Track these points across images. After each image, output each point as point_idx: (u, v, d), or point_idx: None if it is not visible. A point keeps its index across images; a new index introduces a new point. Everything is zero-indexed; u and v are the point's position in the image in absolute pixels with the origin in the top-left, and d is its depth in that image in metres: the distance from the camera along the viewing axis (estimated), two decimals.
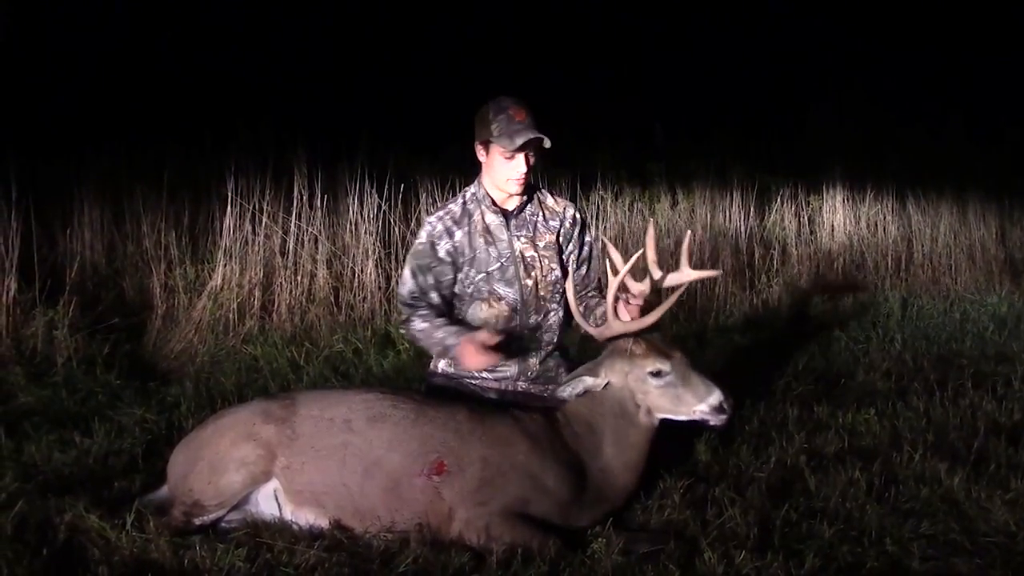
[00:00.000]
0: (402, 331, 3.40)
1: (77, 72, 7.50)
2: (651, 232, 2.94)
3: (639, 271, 2.89)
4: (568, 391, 2.72)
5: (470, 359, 2.97)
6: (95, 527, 2.49)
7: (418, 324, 3.14)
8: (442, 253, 3.19)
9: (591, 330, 2.84)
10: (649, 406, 2.70)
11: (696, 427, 3.36)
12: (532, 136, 3.02)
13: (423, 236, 3.23)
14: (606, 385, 2.72)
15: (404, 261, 3.30)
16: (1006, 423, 3.67)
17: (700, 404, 2.65)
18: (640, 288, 2.86)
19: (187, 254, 5.35)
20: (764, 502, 2.82)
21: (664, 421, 2.74)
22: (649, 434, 2.73)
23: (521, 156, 3.08)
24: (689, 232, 2.94)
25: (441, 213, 3.25)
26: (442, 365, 3.29)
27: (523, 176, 3.12)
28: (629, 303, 2.88)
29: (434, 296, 3.20)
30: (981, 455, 3.26)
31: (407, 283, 3.22)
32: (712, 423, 2.68)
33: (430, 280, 3.20)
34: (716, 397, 2.65)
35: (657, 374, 2.66)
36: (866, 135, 9.43)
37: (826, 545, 2.56)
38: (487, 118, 3.09)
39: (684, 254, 2.84)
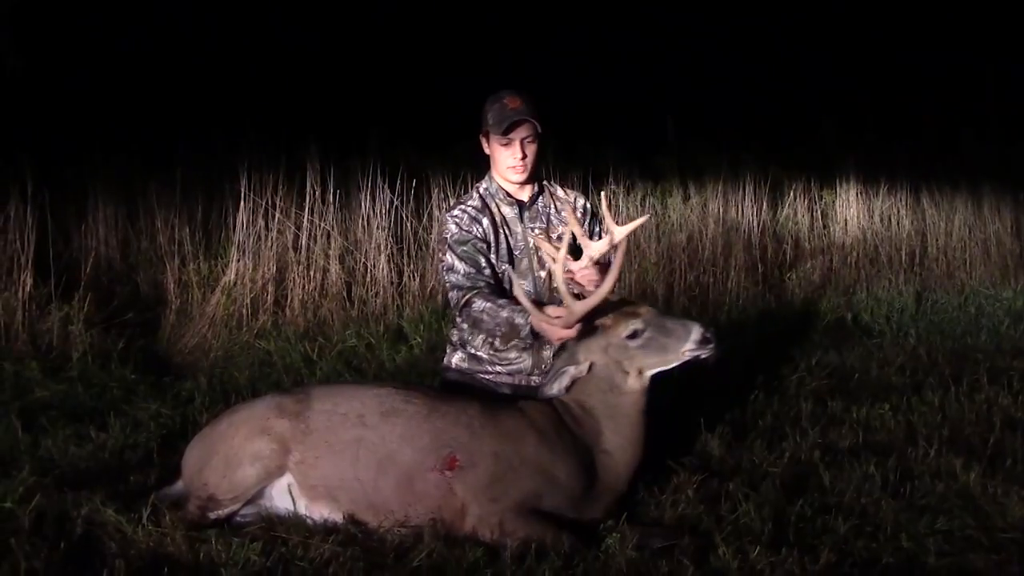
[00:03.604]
0: (459, 318, 3.21)
1: (92, 70, 7.53)
2: (569, 212, 2.95)
3: (573, 250, 2.86)
4: (555, 388, 2.70)
5: (550, 332, 2.80)
6: (111, 521, 2.50)
7: (479, 303, 3.03)
8: (479, 234, 3.18)
9: (557, 326, 2.73)
10: (639, 367, 2.67)
11: (708, 419, 3.40)
12: (517, 119, 3.07)
13: (452, 227, 3.20)
14: (590, 367, 2.70)
15: (444, 254, 3.20)
16: (1022, 418, 3.64)
17: (685, 344, 2.61)
18: (579, 265, 2.88)
19: (200, 249, 5.39)
20: (778, 497, 2.81)
21: (658, 378, 2.72)
22: (641, 400, 2.69)
23: (517, 143, 3.13)
24: (603, 192, 2.95)
25: (463, 206, 3.25)
26: (455, 360, 3.29)
27: (520, 163, 3.15)
28: (581, 284, 2.91)
29: (488, 272, 3.14)
30: (997, 450, 3.23)
31: (458, 268, 3.13)
32: (704, 356, 2.62)
33: (481, 261, 3.14)
34: (697, 331, 2.60)
35: (633, 335, 2.64)
36: (880, 129, 9.37)
37: (841, 540, 2.54)
38: (485, 110, 3.17)
39: (606, 216, 2.79)
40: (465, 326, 3.23)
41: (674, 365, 2.67)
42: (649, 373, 2.69)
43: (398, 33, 9.79)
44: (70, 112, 6.66)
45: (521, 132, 3.12)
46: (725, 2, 11.41)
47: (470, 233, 3.17)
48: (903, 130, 9.38)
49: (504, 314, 2.97)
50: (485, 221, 3.21)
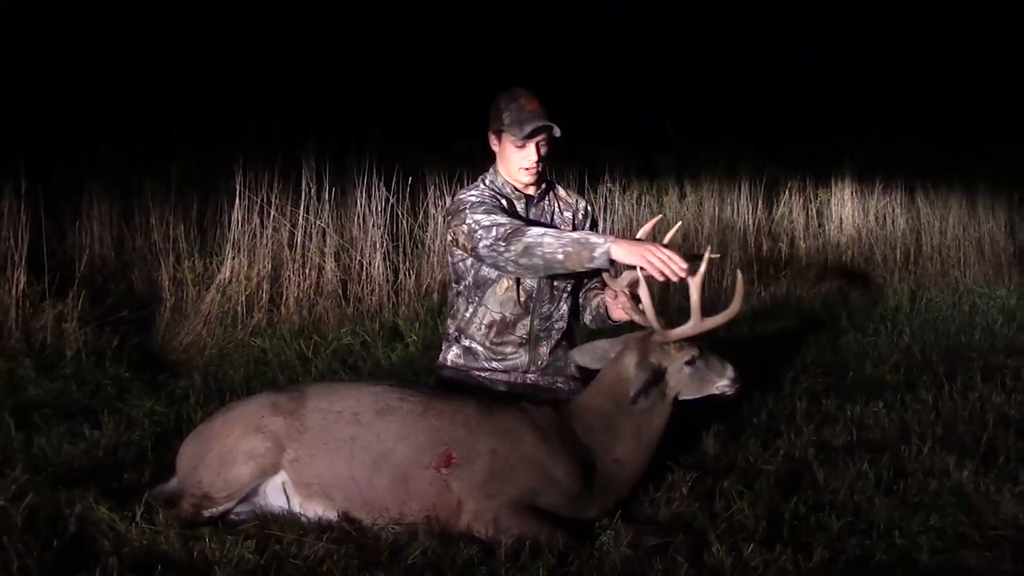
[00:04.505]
0: (508, 252, 2.83)
1: (87, 67, 7.51)
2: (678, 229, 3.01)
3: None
4: (643, 401, 2.76)
5: (634, 252, 2.70)
6: (105, 519, 2.50)
7: (535, 229, 2.83)
8: (501, 206, 3.08)
9: (670, 332, 2.76)
10: (677, 392, 2.81)
11: (702, 418, 3.41)
12: (541, 124, 3.02)
13: (472, 197, 3.07)
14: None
15: (465, 218, 2.99)
16: (1015, 416, 3.66)
17: (722, 380, 2.83)
18: (620, 284, 3.02)
19: (196, 247, 5.37)
20: (772, 495, 2.82)
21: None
22: (669, 419, 2.82)
23: (532, 145, 3.08)
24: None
25: (478, 186, 3.19)
26: (451, 357, 3.29)
27: (534, 165, 3.12)
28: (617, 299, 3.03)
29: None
30: (990, 448, 3.25)
31: (492, 216, 2.93)
32: (729, 393, 2.85)
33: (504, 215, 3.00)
34: (732, 370, 2.85)
35: (691, 361, 2.79)
36: (875, 127, 9.39)
37: (835, 538, 2.55)
38: (499, 107, 3.10)
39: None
40: (509, 256, 2.85)
41: (702, 395, 2.85)
42: (681, 398, 2.83)
43: (396, 31, 9.78)
44: (64, 108, 6.65)
45: (537, 134, 3.06)
46: (724, 2, 11.42)
47: (492, 200, 3.08)
48: (899, 129, 9.40)
49: (572, 235, 2.79)
50: (503, 202, 3.14)
